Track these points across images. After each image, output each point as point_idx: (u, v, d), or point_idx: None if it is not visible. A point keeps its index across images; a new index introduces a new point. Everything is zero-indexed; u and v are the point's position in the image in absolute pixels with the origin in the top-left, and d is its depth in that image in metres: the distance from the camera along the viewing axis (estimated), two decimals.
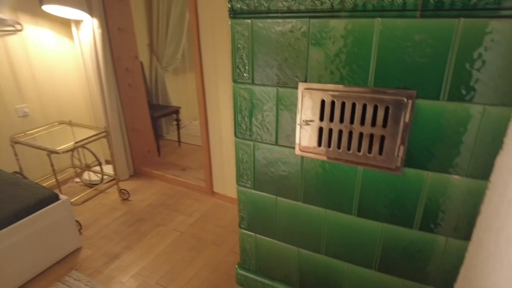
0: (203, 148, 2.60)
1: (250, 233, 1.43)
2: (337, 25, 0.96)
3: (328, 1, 0.95)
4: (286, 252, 1.37)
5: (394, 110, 0.96)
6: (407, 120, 0.96)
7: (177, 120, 3.57)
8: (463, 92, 0.88)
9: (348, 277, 1.27)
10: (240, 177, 1.35)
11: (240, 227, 1.45)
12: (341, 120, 1.05)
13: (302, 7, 1.00)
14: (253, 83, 1.18)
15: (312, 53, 1.03)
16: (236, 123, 1.28)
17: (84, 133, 2.46)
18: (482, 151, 0.92)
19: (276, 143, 1.21)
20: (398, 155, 1.00)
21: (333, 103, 1.04)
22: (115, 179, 2.68)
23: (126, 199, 2.74)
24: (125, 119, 2.93)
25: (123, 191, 2.73)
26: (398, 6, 0.88)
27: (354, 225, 1.17)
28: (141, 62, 3.37)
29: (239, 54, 1.16)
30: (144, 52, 3.67)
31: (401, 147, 0.99)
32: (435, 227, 1.04)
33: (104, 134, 2.43)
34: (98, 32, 2.56)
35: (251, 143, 1.27)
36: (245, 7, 1.09)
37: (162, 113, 3.40)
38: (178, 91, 4.23)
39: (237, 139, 1.30)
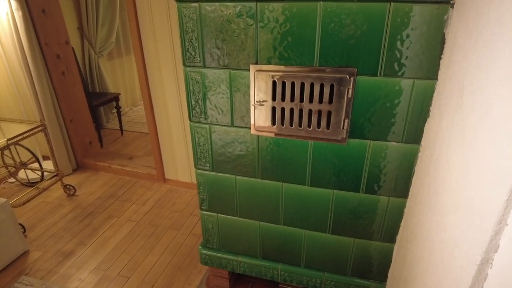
0: (150, 135, 2.54)
1: (212, 213, 1.48)
2: (283, 8, 1.01)
3: None
4: (247, 227, 1.44)
5: (338, 87, 1.05)
6: (349, 95, 1.06)
7: (117, 107, 3.41)
8: (396, 68, 1.00)
9: (306, 242, 1.39)
10: (198, 161, 1.38)
11: (201, 209, 1.49)
12: (292, 99, 1.12)
13: None
14: (204, 66, 1.19)
15: (261, 35, 1.07)
16: (190, 107, 1.29)
17: (14, 129, 2.25)
18: (413, 120, 1.06)
19: (232, 125, 1.25)
20: (343, 128, 1.11)
21: (283, 83, 1.11)
22: (57, 175, 2.52)
23: (73, 195, 2.60)
24: (61, 110, 2.73)
25: (68, 186, 2.58)
26: None
27: (308, 194, 1.28)
28: (72, 49, 3.13)
29: (188, 37, 1.16)
30: (74, 36, 3.39)
31: (346, 120, 1.09)
32: (378, 189, 1.19)
33: (41, 128, 2.25)
34: (18, 15, 2.31)
35: (207, 126, 1.29)
36: None
37: (100, 101, 3.22)
38: (115, 76, 4.01)
39: (192, 123, 1.31)
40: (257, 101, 1.17)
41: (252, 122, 1.21)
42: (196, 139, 1.33)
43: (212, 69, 1.18)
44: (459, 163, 0.75)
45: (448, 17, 0.91)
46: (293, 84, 1.10)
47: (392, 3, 0.93)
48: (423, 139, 1.07)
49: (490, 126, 0.62)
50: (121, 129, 3.54)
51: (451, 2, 0.89)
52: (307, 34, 1.03)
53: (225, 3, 1.07)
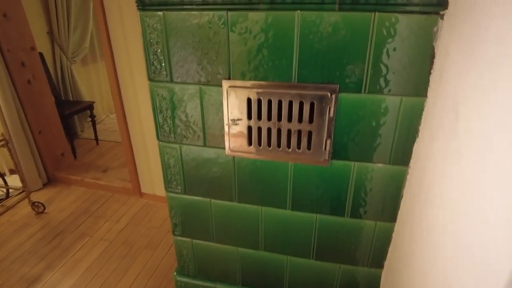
0: (124, 147, 2.39)
1: (186, 239, 1.36)
2: (257, 18, 0.91)
3: None
4: (225, 253, 1.33)
5: (319, 105, 0.95)
6: (331, 114, 0.96)
7: (92, 116, 3.24)
8: (382, 84, 0.91)
9: (288, 268, 1.28)
10: (168, 183, 1.25)
11: (174, 234, 1.37)
12: (269, 117, 1.01)
13: None
14: (172, 81, 1.07)
15: (233, 48, 0.96)
16: (158, 125, 1.16)
17: None
18: (401, 140, 0.97)
19: (205, 145, 1.14)
20: (325, 149, 1.01)
21: (259, 101, 1.00)
22: (24, 191, 2.34)
23: (42, 212, 2.43)
24: (28, 122, 2.55)
25: (36, 203, 2.40)
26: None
27: (289, 219, 1.18)
28: (41, 54, 2.95)
29: (152, 49, 1.04)
30: (44, 41, 3.20)
31: (328, 141, 0.99)
32: (364, 213, 1.09)
33: (2, 143, 2.08)
34: None
35: (177, 145, 1.17)
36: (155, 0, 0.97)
37: (73, 110, 3.04)
38: (90, 83, 3.82)
39: (160, 142, 1.19)
40: (231, 120, 1.06)
41: (226, 142, 1.10)
42: (166, 159, 1.21)
43: (181, 84, 1.07)
44: (455, 198, 0.65)
45: (438, 29, 0.82)
46: (270, 101, 0.99)
47: (377, 13, 0.83)
48: (412, 161, 0.99)
49: (493, 161, 0.53)
50: (96, 139, 3.37)
51: (441, 13, 0.81)
52: (284, 47, 0.92)
53: (193, 12, 0.95)
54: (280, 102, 0.98)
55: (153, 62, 1.06)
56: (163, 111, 1.13)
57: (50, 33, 3.24)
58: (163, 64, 1.05)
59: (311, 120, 0.98)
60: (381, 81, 0.91)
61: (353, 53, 0.89)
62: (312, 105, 0.96)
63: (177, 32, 0.99)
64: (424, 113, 0.91)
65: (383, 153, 1.00)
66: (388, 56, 0.87)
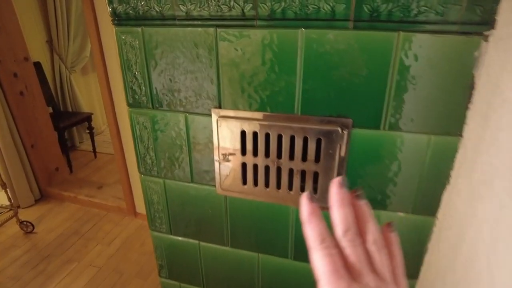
0: (117, 164, 2.25)
1: (173, 282, 1.19)
2: (252, 36, 0.74)
3: (238, 6, 0.72)
4: None
5: (327, 142, 0.78)
6: (343, 153, 0.78)
7: (90, 128, 3.11)
8: (406, 119, 0.73)
9: None
10: (152, 221, 1.09)
11: (160, 276, 1.20)
12: (267, 154, 0.84)
13: (205, 13, 0.75)
14: (153, 107, 0.91)
15: (223, 72, 0.80)
16: (139, 157, 1.00)
17: None
18: (428, 186, 0.78)
19: (192, 181, 0.97)
20: None
21: (255, 134, 0.83)
22: (11, 210, 2.21)
23: (30, 232, 2.29)
24: (20, 135, 2.42)
25: (24, 223, 2.26)
26: (325, 15, 0.68)
27: (291, 269, 1.00)
28: (38, 64, 2.84)
29: (131, 71, 0.88)
30: (42, 51, 3.09)
31: None
32: None
33: None
34: None
35: (161, 180, 1.01)
36: (131, 12, 0.81)
37: (69, 123, 2.92)
38: (90, 92, 3.71)
39: (142, 176, 1.03)
40: (222, 154, 0.89)
41: (217, 179, 0.93)
42: (149, 195, 1.05)
43: (164, 111, 0.90)
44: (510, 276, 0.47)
45: (481, 54, 0.64)
46: (267, 135, 0.82)
47: (401, 33, 0.66)
48: (440, 211, 0.80)
49: None
50: (94, 151, 3.24)
51: (485, 33, 0.63)
52: (284, 72, 0.76)
53: (175, 28, 0.79)
54: (280, 137, 0.81)
55: (131, 86, 0.90)
56: (144, 141, 0.97)
57: (49, 42, 3.13)
58: (143, 88, 0.89)
59: (317, 159, 0.81)
60: (405, 115, 0.73)
61: (371, 80, 0.71)
62: (318, 141, 0.79)
63: (159, 52, 0.83)
64: (458, 156, 0.73)
65: (405, 200, 0.82)
66: (414, 85, 0.70)
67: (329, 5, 0.67)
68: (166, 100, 0.88)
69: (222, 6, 0.73)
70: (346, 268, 0.26)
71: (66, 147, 2.90)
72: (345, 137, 0.77)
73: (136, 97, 0.91)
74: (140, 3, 0.79)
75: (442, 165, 0.76)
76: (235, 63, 0.78)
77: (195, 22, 0.77)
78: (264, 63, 0.76)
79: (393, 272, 0.28)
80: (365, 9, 0.66)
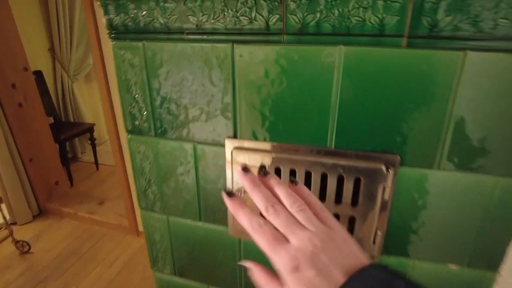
0: (119, 180, 2.12)
1: None
2: (278, 54, 0.61)
3: (261, 18, 0.59)
4: None
5: (368, 183, 0.64)
6: (386, 196, 0.64)
7: (92, 139, 2.99)
8: (468, 158, 0.59)
9: None
10: (154, 261, 0.95)
11: None
12: None
13: (220, 26, 0.62)
14: (156, 135, 0.77)
15: (241, 96, 0.66)
16: (140, 191, 0.87)
17: None
18: (490, 236, 0.64)
19: (201, 219, 0.83)
20: (374, 242, 0.69)
21: (277, 170, 0.69)
22: (7, 228, 2.08)
23: (27, 252, 2.16)
24: (18, 148, 2.31)
25: (20, 242, 2.13)
26: (372, 29, 0.54)
27: None
28: (39, 72, 2.74)
29: (130, 93, 0.75)
30: (44, 59, 2.99)
31: (379, 232, 0.67)
32: None
33: None
34: None
35: (164, 217, 0.87)
36: (130, 23, 0.68)
37: (70, 134, 2.80)
38: (93, 100, 3.60)
39: (143, 211, 0.89)
40: (237, 191, 0.75)
41: (230, 219, 0.79)
42: (150, 233, 0.91)
43: (168, 140, 0.77)
44: None
45: None
46: (293, 172, 0.68)
47: (469, 52, 0.52)
48: (504, 267, 0.65)
49: None
50: (96, 163, 3.12)
51: None
52: (317, 97, 0.62)
53: (183, 43, 0.66)
54: (308, 175, 0.67)
55: (131, 110, 0.77)
56: (145, 173, 0.83)
57: (52, 50, 3.03)
58: (144, 113, 0.76)
59: (354, 202, 0.66)
60: (466, 153, 0.59)
61: (426, 110, 0.57)
62: (357, 181, 0.64)
63: (163, 71, 0.70)
64: None
65: (460, 251, 0.67)
66: (482, 116, 0.56)
67: (378, 17, 0.53)
68: (172, 127, 0.75)
69: (241, 18, 0.60)
70: (279, 235, 0.29)
71: (67, 159, 2.79)
72: (391, 176, 0.62)
73: (136, 123, 0.78)
74: (141, 13, 0.66)
75: (509, 214, 0.61)
76: (256, 86, 0.64)
77: (208, 37, 0.64)
78: (292, 86, 0.62)
79: (320, 219, 0.31)
80: (424, 23, 0.52)
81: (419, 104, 0.57)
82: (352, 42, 0.56)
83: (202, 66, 0.66)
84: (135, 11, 0.66)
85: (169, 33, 0.66)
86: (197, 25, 0.63)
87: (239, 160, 0.71)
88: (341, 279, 0.26)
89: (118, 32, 0.70)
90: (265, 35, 0.60)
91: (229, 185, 0.75)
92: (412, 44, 0.54)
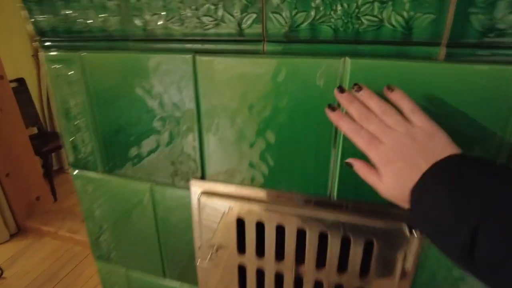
0: None
1: None
2: (255, 70, 0.43)
3: (231, 19, 0.41)
4: None
5: (383, 247, 0.46)
6: (409, 266, 0.46)
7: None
8: None
9: None
10: None
11: None
12: (279, 255, 0.52)
13: (176, 30, 0.44)
14: (106, 172, 0.60)
15: (208, 125, 0.48)
16: (92, 238, 0.69)
17: None
18: None
19: (165, 275, 0.65)
20: None
21: (259, 226, 0.51)
22: None
23: None
24: None
25: None
26: (393, 34, 0.36)
27: None
28: (22, 80, 2.58)
29: (70, 118, 0.58)
30: (28, 65, 2.83)
31: None
32: None
33: None
34: None
35: (122, 270, 0.69)
36: (62, 29, 0.51)
37: (54, 146, 2.62)
38: None
39: (97, 261, 0.71)
40: (207, 247, 0.57)
41: (200, 281, 0.61)
42: (108, 287, 0.73)
43: (121, 179, 0.59)
44: None
45: None
46: (280, 229, 0.50)
47: None
48: None
49: None
50: None
51: None
52: (312, 128, 0.44)
53: (130, 54, 0.48)
54: (301, 233, 0.49)
55: (72, 139, 0.59)
56: (96, 218, 0.65)
57: (35, 56, 2.87)
58: (88, 143, 0.58)
59: (364, 271, 0.48)
60: None
61: (478, 151, 0.39)
62: (368, 244, 0.46)
63: (108, 90, 0.52)
64: None
65: None
66: None
67: (402, 16, 0.35)
68: (123, 163, 0.57)
69: (203, 19, 0.42)
70: (373, 137, 0.34)
71: (50, 172, 2.61)
72: (416, 241, 0.44)
73: (81, 156, 0.60)
74: (74, 14, 0.48)
75: None
76: (229, 113, 0.46)
77: (160, 45, 0.46)
78: (278, 113, 0.44)
79: (409, 119, 0.34)
80: (475, 24, 0.34)
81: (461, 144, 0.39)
82: (363, 53, 0.38)
83: (157, 84, 0.48)
84: (66, 11, 0.49)
85: (111, 41, 0.49)
86: (145, 29, 0.45)
87: (208, 210, 0.53)
88: (425, 166, 0.31)
89: (49, 40, 0.53)
90: (238, 43, 0.42)
91: (197, 241, 0.57)
92: (454, 56, 0.36)
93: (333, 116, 0.37)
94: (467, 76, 0.36)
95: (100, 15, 0.47)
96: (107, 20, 0.47)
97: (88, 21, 0.48)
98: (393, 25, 0.36)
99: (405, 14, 0.35)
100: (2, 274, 1.98)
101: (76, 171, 0.62)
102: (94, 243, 0.69)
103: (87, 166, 0.61)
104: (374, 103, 0.35)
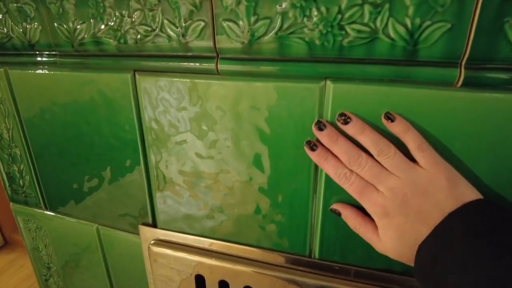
0: None
1: None
2: (207, 94, 0.32)
3: (172, 28, 0.31)
4: None
5: None
6: None
7: None
8: None
9: None
10: None
11: None
12: None
13: (108, 42, 0.34)
14: (47, 208, 0.50)
15: (156, 160, 0.38)
16: (40, 279, 0.59)
17: None
18: None
19: None
20: None
21: (224, 284, 0.40)
22: None
23: None
24: None
25: None
26: (391, 50, 0.26)
27: None
28: None
29: (2, 147, 0.48)
30: None
31: None
32: None
33: None
34: None
35: None
36: None
37: None
38: None
39: None
40: None
41: None
42: None
43: (64, 218, 0.49)
44: None
45: None
46: None
47: None
48: None
49: None
50: None
51: None
52: (286, 170, 0.33)
53: (58, 71, 0.38)
54: None
55: (9, 171, 0.49)
56: (43, 258, 0.55)
57: None
58: (25, 176, 0.48)
59: None
60: None
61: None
62: None
63: (41, 112, 0.42)
64: None
65: None
66: None
67: (403, 25, 0.24)
68: (64, 200, 0.47)
69: (138, 28, 0.32)
70: (367, 185, 0.28)
71: None
72: None
73: (19, 190, 0.50)
74: None
75: None
76: (177, 145, 0.36)
77: (96, 60, 0.36)
78: (239, 148, 0.34)
79: (412, 150, 0.27)
80: (510, 37, 0.23)
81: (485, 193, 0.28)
82: (348, 75, 0.28)
83: (95, 107, 0.38)
84: None
85: (35, 55, 0.39)
86: (71, 42, 0.35)
87: (162, 262, 0.42)
88: (435, 218, 0.25)
89: None
90: (184, 59, 0.32)
91: None
92: (478, 81, 0.25)
93: (314, 157, 0.30)
94: (495, 108, 0.25)
95: (20, 25, 0.37)
96: (29, 31, 0.37)
97: (8, 32, 0.38)
98: (390, 38, 0.25)
99: (408, 22, 0.24)
100: None
101: (17, 205, 0.52)
102: (44, 284, 0.59)
103: (28, 201, 0.51)
104: (368, 139, 0.28)
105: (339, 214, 0.31)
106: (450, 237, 0.24)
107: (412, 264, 0.27)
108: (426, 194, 0.26)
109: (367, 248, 0.30)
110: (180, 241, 0.41)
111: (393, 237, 0.27)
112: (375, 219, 0.29)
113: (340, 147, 0.29)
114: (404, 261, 0.28)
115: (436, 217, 0.25)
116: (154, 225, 0.42)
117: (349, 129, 0.28)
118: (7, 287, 1.92)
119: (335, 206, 0.32)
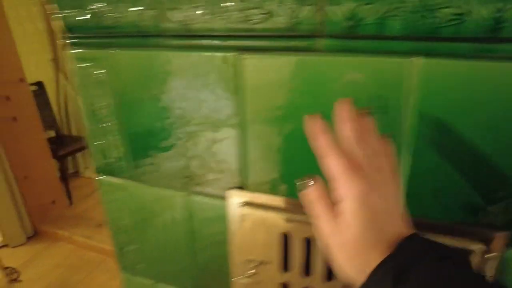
0: None
1: None
2: (310, 70, 0.38)
3: (285, 12, 0.37)
4: None
5: None
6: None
7: None
8: None
9: None
10: None
11: None
12: (331, 276, 0.47)
13: (218, 25, 0.40)
14: (135, 179, 0.56)
15: (253, 130, 0.44)
16: (117, 248, 0.65)
17: None
18: None
19: None
20: None
21: (307, 241, 0.46)
22: None
23: (15, 280, 1.96)
24: (11, 166, 2.13)
25: (9, 269, 1.94)
26: (483, 27, 0.31)
27: None
28: (40, 83, 2.59)
29: (96, 121, 0.54)
30: (46, 70, 2.86)
31: None
32: None
33: None
34: None
35: (149, 282, 0.65)
36: (92, 23, 0.47)
37: (70, 150, 2.63)
38: None
39: (122, 273, 0.67)
40: (246, 260, 0.52)
41: None
42: None
43: (150, 186, 0.55)
44: None
45: None
46: None
47: None
48: None
49: None
50: None
51: None
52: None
53: (160, 51, 0.44)
54: None
55: (99, 143, 0.56)
56: (121, 228, 0.61)
57: (55, 60, 2.90)
58: (115, 148, 0.54)
59: None
60: None
61: None
62: None
63: (140, 91, 0.48)
64: None
65: None
66: None
67: (494, 4, 0.30)
68: (153, 170, 0.53)
69: (248, 12, 0.38)
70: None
71: (66, 176, 2.61)
72: (493, 263, 0.39)
73: (108, 161, 0.56)
74: (101, 8, 0.45)
75: None
76: (276, 117, 0.42)
77: (197, 41, 0.42)
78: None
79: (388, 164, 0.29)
80: None
81: None
82: (439, 51, 0.33)
83: (194, 85, 0.44)
84: (96, 4, 0.45)
85: (144, 37, 0.45)
86: (182, 24, 0.41)
87: (247, 223, 0.48)
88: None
89: (77, 37, 0.49)
90: (291, 39, 0.38)
91: (234, 256, 0.52)
92: None
93: (311, 126, 0.30)
94: None
95: (131, 9, 0.43)
96: (140, 14, 0.43)
97: (118, 15, 0.44)
98: (483, 17, 0.30)
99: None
100: (18, 277, 1.97)
101: (103, 176, 0.59)
102: (119, 253, 0.65)
103: (115, 172, 0.57)
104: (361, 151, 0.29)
105: (304, 186, 0.31)
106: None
107: None
108: (387, 210, 0.28)
109: (454, 204, 0.36)
110: (267, 202, 0.47)
111: (358, 234, 0.27)
112: (349, 204, 0.28)
113: (350, 124, 0.30)
114: (350, 274, 0.28)
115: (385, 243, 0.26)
116: (243, 188, 0.48)
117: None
118: (39, 274, 2.01)
119: (310, 177, 0.31)
